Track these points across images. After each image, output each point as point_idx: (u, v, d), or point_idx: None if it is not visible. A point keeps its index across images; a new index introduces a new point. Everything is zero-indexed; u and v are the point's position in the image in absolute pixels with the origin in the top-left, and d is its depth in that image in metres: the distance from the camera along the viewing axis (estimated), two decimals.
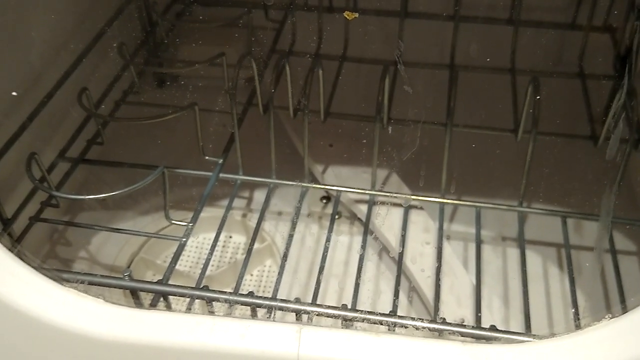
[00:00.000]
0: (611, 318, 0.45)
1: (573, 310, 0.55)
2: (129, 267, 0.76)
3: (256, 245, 0.72)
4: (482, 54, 0.82)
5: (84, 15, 0.79)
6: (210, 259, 0.63)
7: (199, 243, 0.81)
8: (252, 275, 0.78)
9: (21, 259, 0.49)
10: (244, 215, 0.82)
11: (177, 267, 0.61)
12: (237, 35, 0.88)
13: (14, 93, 0.62)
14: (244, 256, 0.64)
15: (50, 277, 0.49)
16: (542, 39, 0.85)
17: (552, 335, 0.46)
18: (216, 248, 0.64)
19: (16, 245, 0.51)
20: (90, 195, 0.64)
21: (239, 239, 0.82)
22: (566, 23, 0.84)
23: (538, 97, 0.62)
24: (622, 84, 0.63)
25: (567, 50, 0.85)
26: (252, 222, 0.80)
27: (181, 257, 0.72)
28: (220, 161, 0.72)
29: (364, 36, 0.85)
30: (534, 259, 0.74)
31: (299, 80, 0.70)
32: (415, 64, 0.80)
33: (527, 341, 0.47)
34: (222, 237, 0.72)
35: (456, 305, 0.64)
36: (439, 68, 0.81)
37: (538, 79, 0.63)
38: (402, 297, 0.71)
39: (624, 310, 0.46)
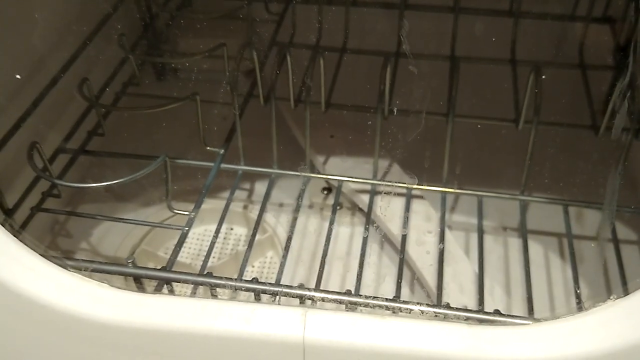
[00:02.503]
0: (616, 299, 0.45)
1: (578, 290, 0.55)
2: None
3: (257, 237, 0.72)
4: (482, 45, 0.82)
5: (85, 4, 0.79)
6: (212, 248, 0.63)
7: (199, 235, 0.81)
8: (253, 266, 0.78)
9: (26, 245, 0.49)
10: (245, 207, 0.82)
11: (178, 258, 0.61)
12: (237, 28, 0.88)
13: (17, 76, 0.62)
14: (245, 247, 0.64)
15: (55, 263, 0.49)
16: (542, 30, 0.85)
17: (556, 317, 0.46)
18: (217, 240, 0.64)
19: (20, 231, 0.51)
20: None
21: (240, 231, 0.82)
22: (566, 14, 0.84)
23: (542, 78, 0.62)
24: (624, 73, 0.63)
25: (567, 42, 0.86)
26: (253, 214, 0.80)
27: (182, 249, 0.72)
28: (222, 151, 0.71)
29: (364, 28, 0.85)
30: (535, 248, 0.74)
31: (300, 72, 0.70)
32: (416, 55, 0.80)
33: (531, 323, 0.47)
34: (223, 228, 0.72)
35: (459, 292, 0.64)
36: (440, 59, 0.81)
37: (540, 67, 0.64)
38: (405, 287, 0.71)
39: (626, 292, 0.46)
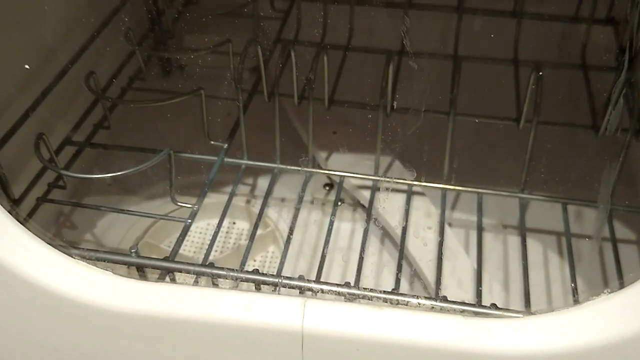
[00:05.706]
0: (610, 292, 0.45)
1: (573, 285, 0.56)
2: None
3: (259, 231, 0.73)
4: (485, 45, 0.83)
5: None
6: (214, 242, 0.63)
7: (202, 229, 0.82)
8: (255, 260, 0.79)
9: (32, 232, 0.50)
10: (248, 202, 0.83)
11: (180, 251, 0.61)
12: (243, 25, 0.89)
13: (26, 66, 0.63)
14: (247, 242, 0.65)
15: (61, 250, 0.50)
16: (545, 31, 0.86)
17: (552, 310, 0.47)
18: (219, 234, 0.65)
19: (27, 219, 0.52)
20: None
21: (243, 225, 0.82)
22: (569, 16, 0.84)
23: (542, 78, 0.62)
24: (622, 73, 0.64)
25: (569, 43, 0.86)
26: (256, 209, 0.81)
27: (185, 242, 0.73)
28: (225, 146, 0.72)
29: (369, 26, 0.86)
30: (534, 246, 0.74)
31: (304, 69, 0.71)
32: (418, 53, 0.81)
33: (527, 316, 0.47)
34: (225, 223, 0.72)
35: (457, 288, 0.65)
36: (442, 58, 0.81)
37: (541, 66, 0.64)
38: (404, 282, 0.72)
39: (622, 286, 0.46)
